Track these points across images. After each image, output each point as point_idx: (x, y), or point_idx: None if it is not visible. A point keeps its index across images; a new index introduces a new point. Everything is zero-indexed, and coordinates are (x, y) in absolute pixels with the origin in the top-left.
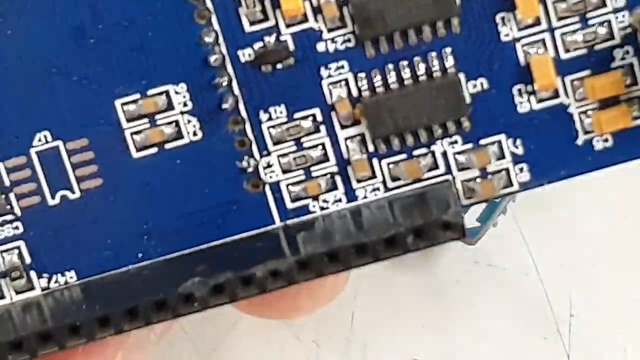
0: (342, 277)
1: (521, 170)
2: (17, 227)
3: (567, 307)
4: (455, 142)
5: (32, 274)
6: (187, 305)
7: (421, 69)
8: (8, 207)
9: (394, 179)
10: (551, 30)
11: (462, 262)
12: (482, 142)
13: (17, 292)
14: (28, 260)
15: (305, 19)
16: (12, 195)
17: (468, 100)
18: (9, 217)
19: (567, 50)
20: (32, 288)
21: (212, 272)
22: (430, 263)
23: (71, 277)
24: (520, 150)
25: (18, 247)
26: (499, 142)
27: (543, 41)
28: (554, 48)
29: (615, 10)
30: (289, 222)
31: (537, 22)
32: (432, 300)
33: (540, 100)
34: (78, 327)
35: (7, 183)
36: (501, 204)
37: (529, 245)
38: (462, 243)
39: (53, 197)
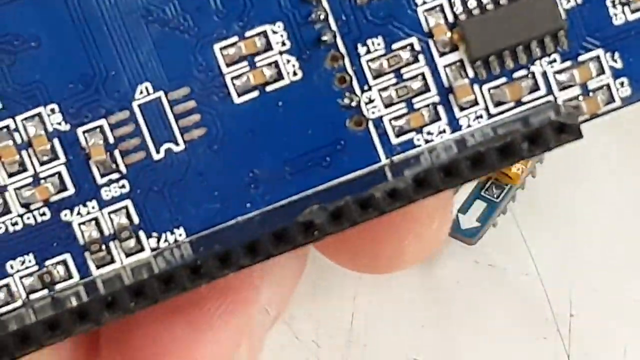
0: (447, 219)
1: (622, 84)
2: (123, 186)
3: (567, 307)
4: (555, 60)
5: (141, 234)
6: (308, 234)
7: None
8: (114, 165)
9: (497, 104)
10: None
11: (462, 262)
12: (581, 58)
13: (127, 255)
14: (136, 220)
15: None
16: (116, 153)
17: (563, 16)
18: (115, 175)
19: None
20: (141, 249)
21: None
22: (431, 263)
23: (180, 235)
24: (619, 64)
25: (125, 207)
26: (598, 57)
27: None
28: None
29: None
30: (395, 158)
31: None
32: (432, 300)
33: (634, 11)
34: (199, 266)
35: (111, 140)
36: (501, 204)
37: (528, 245)
38: (462, 243)
39: (158, 151)
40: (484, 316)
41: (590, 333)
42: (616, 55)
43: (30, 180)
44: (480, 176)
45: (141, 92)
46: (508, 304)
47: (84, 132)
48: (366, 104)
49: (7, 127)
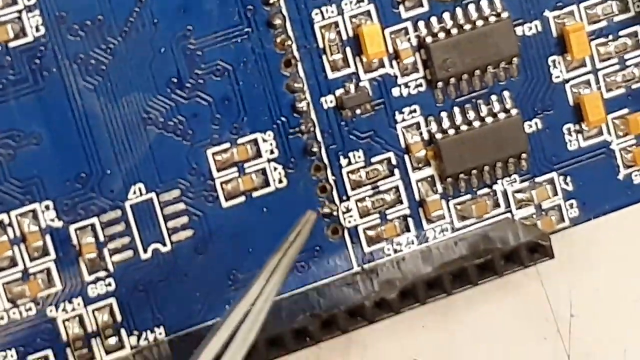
0: None
1: (571, 206)
2: (109, 284)
3: (567, 307)
4: (515, 180)
5: (123, 331)
6: (300, 339)
7: (484, 110)
8: (102, 263)
9: (461, 218)
10: (595, 71)
11: None
12: (538, 180)
13: (107, 352)
14: (119, 318)
15: (382, 65)
16: (105, 251)
17: (527, 140)
18: (103, 273)
19: (609, 90)
20: (122, 347)
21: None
22: None
23: (160, 334)
24: (570, 187)
25: (110, 305)
26: (552, 179)
27: (588, 81)
28: (598, 88)
29: None
30: (366, 265)
31: (583, 64)
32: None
33: (587, 138)
34: None
35: (101, 239)
36: None
37: None
38: None
39: (145, 250)
40: (484, 316)
41: (590, 333)
42: (568, 178)
43: (19, 275)
44: (461, 289)
45: (134, 193)
46: (508, 304)
47: (76, 230)
48: (344, 213)
49: (2, 222)
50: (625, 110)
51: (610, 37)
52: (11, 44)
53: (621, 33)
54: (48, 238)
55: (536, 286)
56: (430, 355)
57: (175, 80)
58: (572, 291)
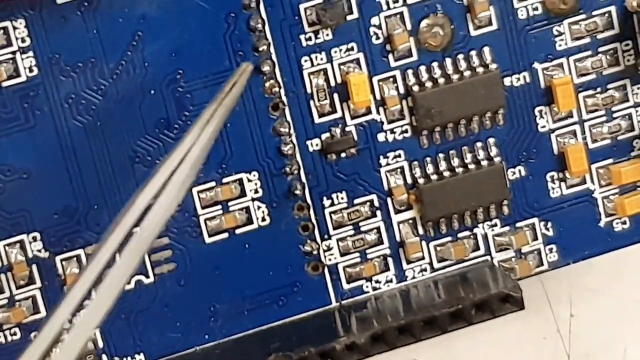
0: None
1: (551, 250)
2: None
3: (567, 307)
4: (496, 225)
5: (104, 357)
6: None
7: (468, 157)
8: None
9: (440, 260)
10: (581, 122)
11: None
12: (518, 224)
13: None
14: (101, 344)
15: (368, 111)
16: None
17: (509, 186)
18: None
19: (595, 141)
20: None
21: (278, 350)
22: None
23: None
24: (551, 232)
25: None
26: (533, 224)
27: (574, 132)
28: (583, 138)
29: (636, 105)
30: (344, 302)
31: (570, 115)
32: None
33: (570, 186)
34: None
35: None
36: None
37: None
38: None
39: (129, 282)
40: None
41: (590, 333)
42: (549, 224)
43: (5, 301)
44: (431, 336)
45: None
46: None
47: (62, 260)
48: (324, 251)
49: None
50: (610, 161)
51: (599, 89)
52: (4, 84)
53: (609, 86)
54: (34, 268)
55: (536, 286)
56: (430, 356)
57: (164, 120)
58: (572, 291)
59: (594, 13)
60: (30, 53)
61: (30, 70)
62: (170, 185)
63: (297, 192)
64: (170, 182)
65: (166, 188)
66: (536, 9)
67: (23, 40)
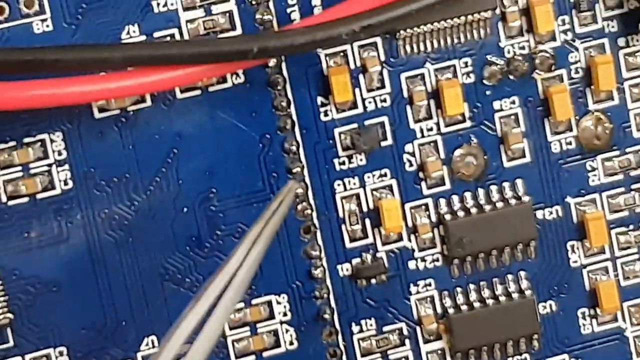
0: None
1: None
2: None
3: None
4: (525, 359)
5: None
6: None
7: (499, 289)
8: None
9: None
10: (614, 259)
11: None
12: None
13: None
14: None
15: (400, 238)
16: None
17: (539, 320)
18: None
19: (627, 278)
20: None
21: None
22: None
23: None
24: None
25: None
26: None
27: (606, 268)
28: (615, 275)
29: None
30: None
31: (602, 251)
32: None
33: (601, 323)
34: None
35: None
36: None
37: None
38: None
39: None
40: None
41: None
42: None
43: None
44: None
45: (147, 345)
46: None
47: None
48: None
49: None
50: None
51: (631, 226)
52: (39, 196)
53: None
54: None
55: None
56: None
57: (195, 239)
58: None
59: (627, 150)
60: (66, 166)
61: (65, 184)
62: (216, 314)
63: (326, 316)
64: (216, 309)
65: (212, 316)
66: (570, 143)
67: (60, 154)
